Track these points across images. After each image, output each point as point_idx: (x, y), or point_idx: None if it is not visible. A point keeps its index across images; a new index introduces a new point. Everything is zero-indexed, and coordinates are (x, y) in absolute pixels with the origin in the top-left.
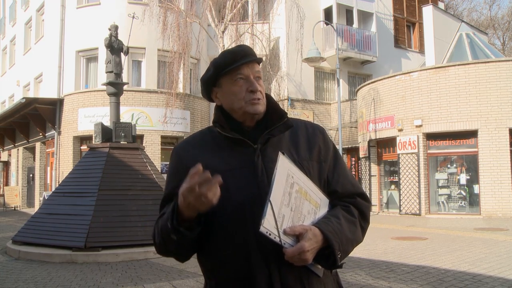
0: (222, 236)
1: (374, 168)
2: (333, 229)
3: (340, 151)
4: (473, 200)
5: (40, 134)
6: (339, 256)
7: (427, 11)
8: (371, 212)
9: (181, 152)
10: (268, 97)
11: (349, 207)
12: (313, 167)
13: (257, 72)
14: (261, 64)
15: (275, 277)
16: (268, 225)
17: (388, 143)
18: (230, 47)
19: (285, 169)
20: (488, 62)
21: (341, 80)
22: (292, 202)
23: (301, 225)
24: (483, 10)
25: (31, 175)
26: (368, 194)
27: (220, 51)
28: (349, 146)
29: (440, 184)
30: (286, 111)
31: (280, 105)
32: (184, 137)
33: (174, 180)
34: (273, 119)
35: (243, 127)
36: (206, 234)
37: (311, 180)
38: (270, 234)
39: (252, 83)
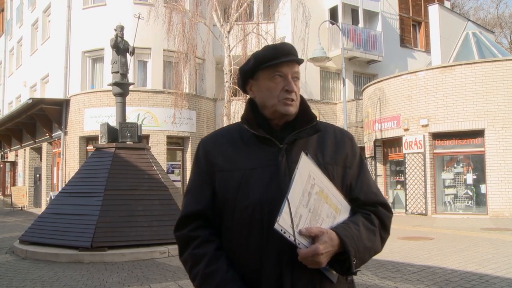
0: (238, 233)
1: (380, 168)
2: (351, 235)
3: None
4: (480, 200)
5: (47, 134)
6: (354, 262)
7: (433, 10)
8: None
9: (209, 146)
10: (301, 99)
11: (370, 215)
12: (337, 172)
13: (296, 73)
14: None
15: (286, 278)
16: (283, 223)
17: (394, 143)
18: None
19: (306, 170)
20: (495, 61)
21: (346, 80)
22: (311, 203)
23: (318, 227)
24: (490, 8)
25: (37, 175)
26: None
27: (225, 51)
28: None
29: (446, 184)
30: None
31: None
32: (190, 137)
33: (199, 177)
34: (302, 121)
35: (271, 125)
36: (224, 228)
37: (334, 185)
38: (284, 233)
39: (289, 83)
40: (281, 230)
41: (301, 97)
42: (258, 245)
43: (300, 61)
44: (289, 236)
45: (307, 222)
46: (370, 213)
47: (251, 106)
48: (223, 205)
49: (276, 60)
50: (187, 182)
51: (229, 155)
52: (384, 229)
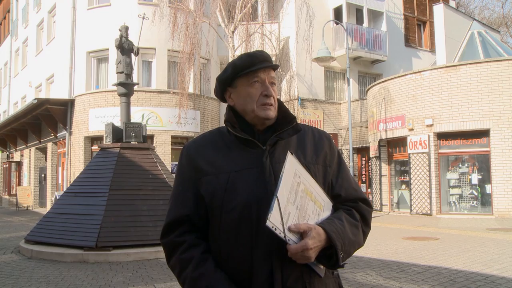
0: (227, 234)
1: (385, 168)
2: (336, 229)
3: (350, 151)
4: (485, 200)
5: (52, 134)
6: (341, 256)
7: (438, 9)
8: (382, 213)
9: (192, 151)
10: (279, 102)
11: (351, 210)
12: (318, 171)
13: (272, 78)
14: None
15: (276, 275)
16: (274, 220)
17: (398, 143)
18: (248, 50)
19: (292, 168)
20: (501, 60)
21: (351, 80)
22: (298, 201)
23: (306, 223)
24: (496, 7)
25: (43, 175)
26: (378, 194)
27: (230, 51)
28: (360, 145)
29: (451, 184)
30: (296, 111)
31: (290, 104)
32: (194, 137)
33: (183, 183)
34: (283, 123)
35: (254, 129)
36: (212, 232)
37: (317, 183)
38: (275, 229)
39: (267, 88)
40: (272, 227)
41: (279, 100)
42: (248, 244)
43: (275, 67)
44: (280, 233)
45: (295, 219)
46: (352, 208)
47: (232, 112)
48: (210, 208)
49: (253, 67)
50: None
51: (213, 159)
52: (365, 224)
